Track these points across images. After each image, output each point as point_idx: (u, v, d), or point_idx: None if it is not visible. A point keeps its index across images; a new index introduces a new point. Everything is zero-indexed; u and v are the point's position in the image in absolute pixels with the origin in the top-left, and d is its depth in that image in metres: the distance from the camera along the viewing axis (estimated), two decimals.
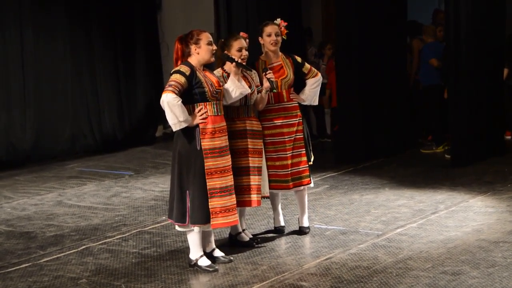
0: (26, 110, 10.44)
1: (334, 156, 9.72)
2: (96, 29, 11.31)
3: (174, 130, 5.46)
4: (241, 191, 5.84)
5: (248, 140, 5.92)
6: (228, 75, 5.81)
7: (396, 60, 10.11)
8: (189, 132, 5.47)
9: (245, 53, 5.91)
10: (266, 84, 5.98)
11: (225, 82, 5.75)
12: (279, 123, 6.20)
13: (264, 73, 6.01)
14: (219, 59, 5.97)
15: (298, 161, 6.26)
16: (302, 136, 6.29)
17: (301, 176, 6.28)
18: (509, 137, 10.63)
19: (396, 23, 10.06)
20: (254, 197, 5.90)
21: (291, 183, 6.24)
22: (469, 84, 9.14)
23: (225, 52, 5.91)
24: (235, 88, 5.71)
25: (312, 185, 6.42)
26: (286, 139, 6.22)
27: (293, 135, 6.25)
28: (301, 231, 6.42)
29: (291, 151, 6.23)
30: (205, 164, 5.45)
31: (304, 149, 6.29)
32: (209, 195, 5.48)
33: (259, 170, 5.97)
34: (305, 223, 6.46)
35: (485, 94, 9.37)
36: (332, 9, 11.83)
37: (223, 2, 10.00)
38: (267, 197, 6.19)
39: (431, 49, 10.20)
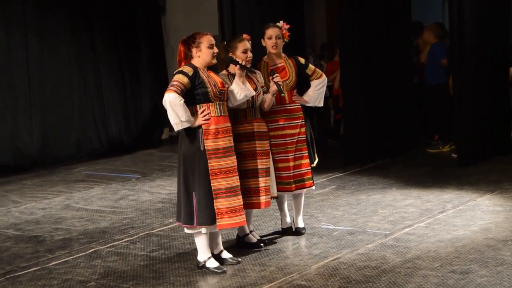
0: (32, 115, 10.47)
1: (343, 158, 9.66)
2: (100, 34, 11.33)
3: (175, 130, 5.46)
4: (249, 193, 5.85)
5: (256, 142, 5.91)
6: (233, 76, 5.81)
7: (401, 60, 10.09)
8: (192, 133, 5.47)
9: (250, 54, 5.92)
10: (274, 87, 5.96)
11: (231, 83, 5.75)
12: (281, 125, 6.17)
13: (271, 77, 6.00)
14: (222, 61, 5.98)
15: (300, 163, 6.24)
16: (304, 138, 6.28)
17: (303, 179, 6.26)
18: None
19: (400, 23, 10.05)
20: (262, 199, 5.90)
21: (293, 185, 6.23)
22: (474, 82, 9.12)
23: (230, 54, 5.91)
24: (240, 90, 5.70)
25: (313, 187, 6.42)
26: (288, 141, 6.20)
27: (295, 137, 6.23)
28: (298, 232, 6.41)
29: (293, 153, 6.22)
30: (208, 164, 5.45)
31: (306, 151, 6.28)
32: (214, 196, 5.48)
33: (267, 171, 5.97)
34: (300, 224, 6.45)
35: (490, 93, 9.35)
36: (335, 11, 11.82)
37: (227, 5, 10.02)
38: (275, 197, 6.17)
39: (441, 49, 10.14)
